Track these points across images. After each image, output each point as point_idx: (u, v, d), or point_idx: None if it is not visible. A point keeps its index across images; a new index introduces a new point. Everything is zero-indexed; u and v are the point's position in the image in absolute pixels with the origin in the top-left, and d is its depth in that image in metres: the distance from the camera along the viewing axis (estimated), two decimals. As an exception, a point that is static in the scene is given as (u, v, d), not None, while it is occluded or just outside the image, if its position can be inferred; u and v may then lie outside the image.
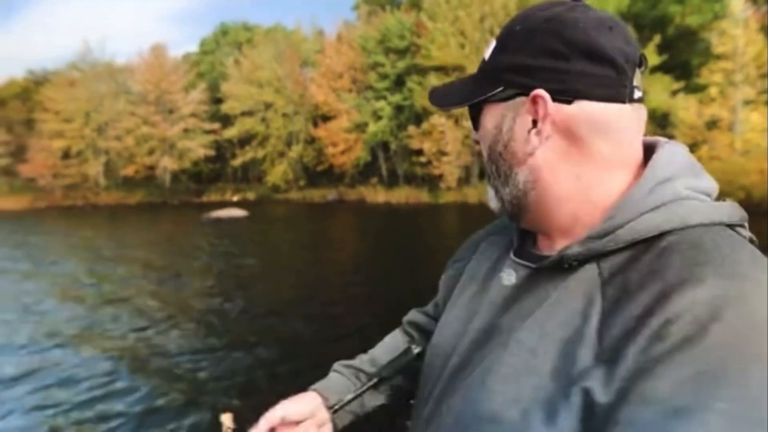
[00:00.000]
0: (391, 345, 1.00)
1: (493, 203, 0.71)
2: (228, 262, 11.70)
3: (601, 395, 0.48)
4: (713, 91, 23.61)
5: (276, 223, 22.61)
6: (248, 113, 40.23)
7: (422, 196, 31.38)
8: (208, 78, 44.21)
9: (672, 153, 0.63)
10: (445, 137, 30.14)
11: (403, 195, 32.02)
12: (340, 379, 0.95)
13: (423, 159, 31.40)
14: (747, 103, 23.14)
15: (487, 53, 0.68)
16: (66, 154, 40.05)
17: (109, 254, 13.31)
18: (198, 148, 41.22)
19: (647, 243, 0.56)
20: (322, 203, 33.80)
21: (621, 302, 0.53)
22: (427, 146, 30.81)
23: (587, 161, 0.61)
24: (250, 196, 39.52)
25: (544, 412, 0.52)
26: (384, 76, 34.15)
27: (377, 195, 33.19)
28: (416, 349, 0.93)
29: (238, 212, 23.95)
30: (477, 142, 0.72)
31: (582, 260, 0.59)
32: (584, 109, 0.60)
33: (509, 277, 0.69)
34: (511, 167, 0.66)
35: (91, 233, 18.90)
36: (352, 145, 35.11)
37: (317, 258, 11.82)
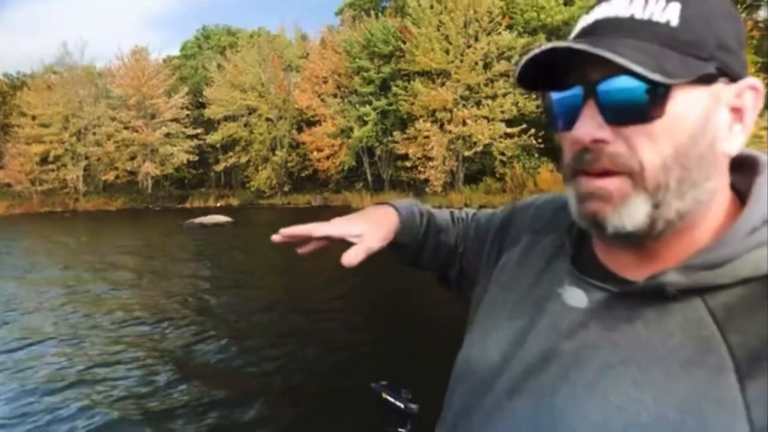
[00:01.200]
0: (450, 225, 0.97)
1: (635, 221, 0.53)
2: (212, 268, 11.48)
3: None
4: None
5: (260, 228, 22.34)
6: (231, 118, 39.89)
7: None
8: (191, 82, 43.77)
9: None
10: (430, 142, 30.17)
11: (388, 200, 31.81)
12: (413, 225, 0.92)
13: (408, 164, 31.41)
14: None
15: (668, 16, 0.52)
16: (44, 160, 39.31)
17: (88, 260, 12.98)
18: (180, 153, 40.70)
19: (760, 281, 0.49)
20: (307, 209, 33.60)
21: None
22: (412, 151, 30.81)
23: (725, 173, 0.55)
24: (234, 201, 39.13)
25: None
26: (369, 81, 34.11)
27: (362, 200, 33.06)
28: (461, 248, 0.93)
29: (222, 218, 23.64)
30: (596, 142, 0.53)
31: (682, 292, 0.51)
32: None
33: (577, 298, 0.59)
34: (710, 175, 0.53)
35: (69, 239, 18.47)
36: (336, 150, 34.98)
37: (303, 264, 11.65)
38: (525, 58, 0.55)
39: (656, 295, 0.53)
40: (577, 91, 0.55)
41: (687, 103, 0.51)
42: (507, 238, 0.80)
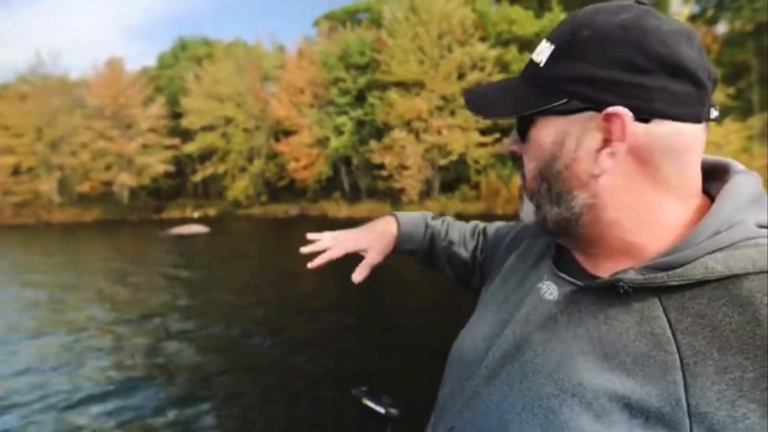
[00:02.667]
0: (464, 236, 1.07)
1: (529, 218, 0.66)
2: (189, 278, 11.60)
3: None
4: (659, 106, 24.92)
5: (238, 238, 22.42)
6: (208, 128, 39.83)
7: (384, 209, 31.55)
8: (167, 93, 43.57)
9: (745, 184, 0.59)
10: (406, 151, 30.61)
11: (365, 209, 32.22)
12: (414, 235, 1.06)
13: (384, 173, 31.78)
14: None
15: (542, 57, 0.60)
16: (16, 171, 38.68)
17: (61, 275, 12.99)
18: (157, 163, 40.48)
19: (714, 284, 0.52)
20: (285, 218, 33.64)
21: (716, 364, 0.48)
22: (389, 160, 31.20)
23: (654, 186, 0.57)
24: (211, 212, 38.99)
25: None
26: (345, 92, 34.49)
27: (340, 209, 33.30)
28: (480, 258, 1.02)
29: (200, 228, 23.63)
30: (514, 154, 0.68)
31: (637, 289, 0.55)
32: (661, 129, 0.55)
33: (550, 291, 0.65)
34: (570, 189, 0.60)
35: (42, 252, 18.34)
36: (314, 160, 35.20)
37: (281, 274, 11.85)
38: (464, 96, 0.69)
39: (617, 291, 0.56)
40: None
41: (544, 130, 0.60)
42: (517, 244, 0.87)
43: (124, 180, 39.83)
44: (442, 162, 30.69)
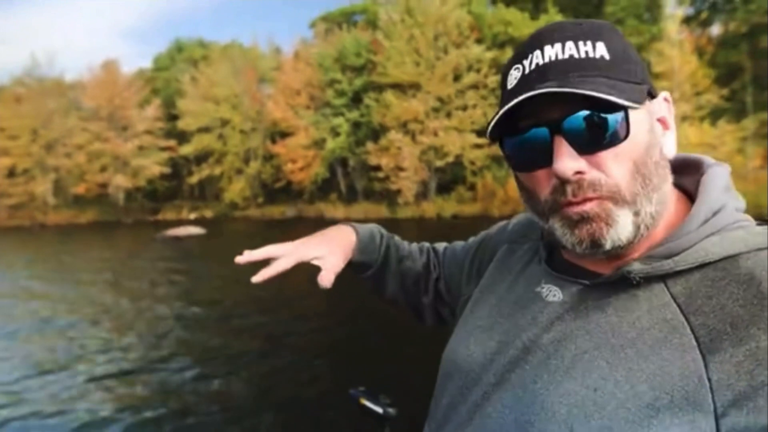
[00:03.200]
0: (416, 253, 1.04)
1: (627, 232, 0.59)
2: (185, 280, 11.60)
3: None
4: (653, 107, 25.06)
5: (235, 240, 22.40)
6: (205, 130, 39.82)
7: (381, 211, 31.69)
8: (163, 94, 43.55)
9: (720, 175, 0.64)
10: (402, 153, 30.66)
11: (361, 210, 32.25)
12: (371, 245, 0.98)
13: (381, 174, 31.81)
14: (684, 119, 24.58)
15: (604, 53, 0.59)
16: (11, 173, 38.57)
17: (57, 275, 12.97)
18: (153, 165, 40.44)
19: (713, 266, 0.56)
20: (281, 220, 33.64)
21: (731, 338, 0.51)
22: (385, 162, 31.25)
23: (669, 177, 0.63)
24: (208, 213, 38.97)
25: None
26: (341, 93, 34.54)
27: (336, 211, 33.31)
28: (434, 274, 1.01)
29: (196, 230, 23.63)
30: (578, 172, 0.58)
31: (645, 279, 0.58)
32: None
33: (554, 294, 0.66)
34: (664, 177, 0.61)
35: (37, 254, 18.30)
36: (310, 162, 35.22)
37: (279, 278, 11.86)
38: (504, 108, 0.59)
39: (623, 284, 0.59)
40: (542, 131, 0.59)
41: (638, 122, 0.58)
42: (486, 254, 0.88)
43: (120, 182, 39.77)
44: (439, 163, 30.74)
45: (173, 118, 40.83)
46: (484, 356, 0.69)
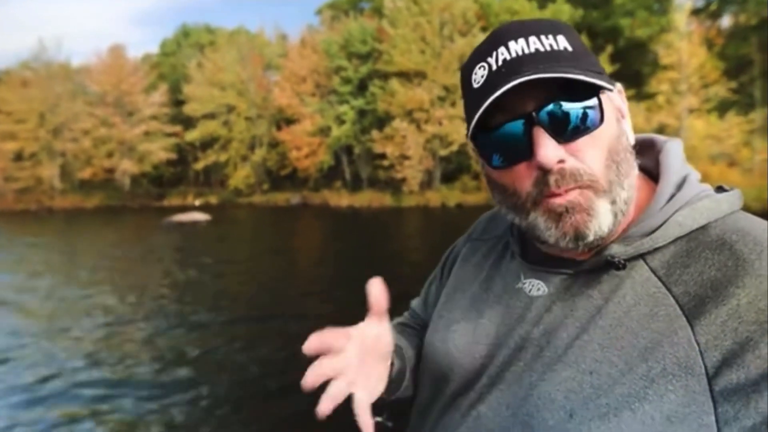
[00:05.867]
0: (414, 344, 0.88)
1: (607, 222, 0.60)
2: (190, 266, 11.72)
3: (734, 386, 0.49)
4: (660, 99, 24.89)
5: (239, 227, 22.54)
6: (210, 116, 39.87)
7: (385, 199, 31.75)
8: (170, 80, 43.54)
9: (675, 150, 0.67)
10: (407, 141, 30.63)
11: (366, 199, 32.31)
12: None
13: (386, 163, 31.81)
14: (692, 111, 24.43)
15: (566, 45, 0.60)
16: (18, 157, 38.74)
17: (64, 260, 13.13)
18: (159, 150, 40.54)
19: (686, 237, 0.59)
20: (286, 207, 33.72)
21: (713, 301, 0.53)
22: (390, 150, 31.24)
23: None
24: (213, 200, 39.08)
25: (631, 411, 0.53)
26: (347, 81, 34.47)
27: (341, 199, 33.39)
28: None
29: (201, 216, 23.74)
30: (560, 161, 0.58)
31: (627, 260, 0.60)
32: None
33: (536, 287, 0.67)
34: (632, 164, 0.63)
35: (45, 239, 18.49)
36: (315, 149, 35.25)
37: (282, 263, 11.98)
38: (487, 103, 0.58)
39: (606, 268, 0.61)
40: (518, 125, 0.59)
41: (607, 110, 0.60)
42: (449, 262, 0.89)
43: (126, 167, 39.92)
44: (443, 152, 30.71)
45: (179, 103, 40.84)
46: (473, 361, 0.69)
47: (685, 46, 24.61)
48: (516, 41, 0.59)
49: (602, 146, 0.59)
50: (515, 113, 0.59)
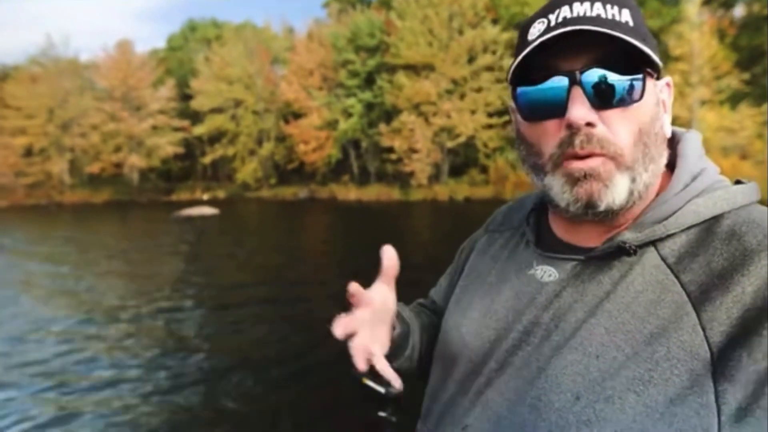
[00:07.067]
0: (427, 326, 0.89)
1: (622, 196, 0.61)
2: (200, 259, 11.75)
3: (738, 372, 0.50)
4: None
5: (247, 221, 22.59)
6: (218, 110, 39.89)
7: (393, 193, 31.69)
8: (177, 75, 43.58)
9: (694, 140, 0.69)
10: (415, 135, 30.52)
11: (374, 192, 32.26)
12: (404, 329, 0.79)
13: (394, 156, 31.74)
14: (703, 103, 24.14)
15: (629, 19, 0.61)
16: (28, 152, 38.97)
17: (76, 253, 13.19)
18: (167, 145, 40.65)
19: (698, 227, 0.60)
20: (294, 201, 33.76)
21: (718, 288, 0.55)
22: (398, 144, 31.15)
23: None
24: (221, 194, 39.18)
25: (635, 394, 0.54)
26: (354, 74, 34.35)
27: (349, 193, 33.37)
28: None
29: (209, 210, 23.81)
30: (589, 123, 0.59)
31: (639, 246, 0.61)
32: None
33: (548, 273, 0.68)
34: (660, 152, 0.64)
35: (58, 232, 18.59)
36: (323, 143, 35.21)
37: (290, 257, 11.98)
38: (532, 45, 0.60)
39: (617, 254, 0.61)
40: (561, 81, 0.60)
41: (650, 91, 0.61)
42: (464, 254, 0.90)
43: (134, 161, 40.08)
44: (451, 144, 30.56)
45: (187, 98, 40.89)
46: (482, 345, 0.70)
47: (696, 37, 24.29)
48: (581, 3, 0.60)
49: (635, 123, 0.60)
50: (561, 69, 0.60)
